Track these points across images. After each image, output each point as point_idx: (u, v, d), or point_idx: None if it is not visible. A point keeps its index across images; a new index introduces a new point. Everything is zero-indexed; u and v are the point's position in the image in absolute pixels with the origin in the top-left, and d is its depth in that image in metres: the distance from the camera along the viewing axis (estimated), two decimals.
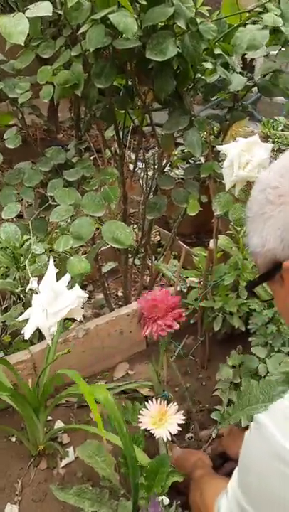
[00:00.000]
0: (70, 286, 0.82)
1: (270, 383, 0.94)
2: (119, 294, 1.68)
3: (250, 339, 1.18)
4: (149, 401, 0.81)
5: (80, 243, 0.83)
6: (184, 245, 1.66)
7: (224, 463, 0.96)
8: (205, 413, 1.20)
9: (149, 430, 0.78)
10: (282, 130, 2.20)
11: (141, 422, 0.79)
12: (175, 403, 0.80)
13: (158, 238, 1.74)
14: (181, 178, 1.10)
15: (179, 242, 1.61)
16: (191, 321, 1.37)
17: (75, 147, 1.04)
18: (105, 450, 0.96)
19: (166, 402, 0.81)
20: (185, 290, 1.36)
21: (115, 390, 1.21)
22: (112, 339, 1.34)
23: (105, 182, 0.92)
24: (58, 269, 0.82)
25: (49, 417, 1.19)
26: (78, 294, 0.79)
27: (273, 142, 2.03)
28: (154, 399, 0.82)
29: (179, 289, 1.39)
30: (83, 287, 1.69)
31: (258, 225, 0.56)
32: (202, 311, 1.29)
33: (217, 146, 0.80)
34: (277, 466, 0.50)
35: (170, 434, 0.76)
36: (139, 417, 0.80)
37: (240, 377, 1.07)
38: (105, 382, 1.29)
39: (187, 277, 1.42)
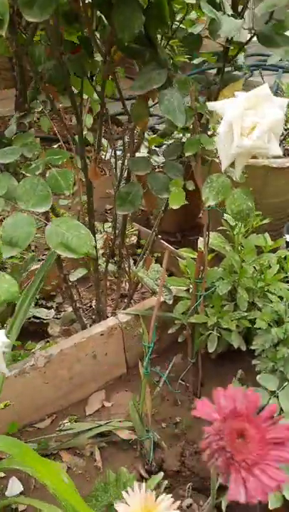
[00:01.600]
0: None
1: None
2: (94, 305, 1.42)
3: (253, 362, 0.93)
4: (129, 489, 0.54)
5: (14, 252, 0.57)
6: (168, 245, 1.41)
7: None
8: (201, 457, 0.96)
9: None
10: None
11: None
12: (170, 495, 0.54)
13: (135, 239, 1.49)
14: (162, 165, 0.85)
15: (162, 241, 1.36)
16: (180, 340, 1.12)
17: (16, 122, 0.77)
18: None
19: (153, 491, 0.54)
20: (170, 302, 1.11)
21: (86, 434, 0.95)
22: (83, 365, 1.08)
23: (53, 164, 0.67)
24: None
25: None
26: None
27: None
28: (135, 486, 0.55)
29: (162, 299, 1.14)
30: (50, 298, 1.43)
31: None
32: (192, 327, 1.04)
33: (208, 105, 0.55)
34: None
35: None
36: None
37: None
38: (75, 421, 1.04)
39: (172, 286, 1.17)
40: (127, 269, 1.26)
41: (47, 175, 0.66)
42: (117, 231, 1.06)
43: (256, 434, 0.42)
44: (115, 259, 1.15)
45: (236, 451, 0.41)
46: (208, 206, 0.86)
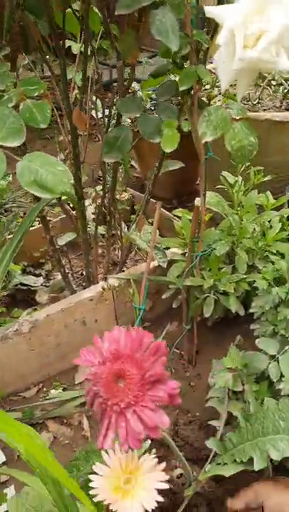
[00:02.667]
0: None
1: None
2: (85, 271, 1.35)
3: (252, 327, 0.87)
4: (108, 451, 0.49)
5: None
6: (162, 210, 1.33)
7: None
8: (196, 427, 0.90)
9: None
10: None
11: (93, 489, 0.47)
12: (153, 455, 0.48)
13: (126, 196, 1.40)
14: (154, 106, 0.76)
15: (156, 201, 1.28)
16: (174, 305, 1.06)
17: None
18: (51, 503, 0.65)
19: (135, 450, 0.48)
20: (164, 265, 1.04)
21: (74, 402, 0.89)
22: (71, 332, 1.02)
23: (28, 95, 0.58)
24: None
25: None
26: None
27: None
28: (116, 448, 0.49)
29: (156, 263, 1.07)
30: (39, 266, 1.36)
31: None
32: (188, 291, 0.98)
33: (206, 10, 0.46)
34: None
35: (144, 509, 0.44)
36: (90, 478, 0.48)
37: (242, 384, 0.76)
38: (63, 390, 0.98)
39: (168, 248, 1.09)
40: (119, 233, 1.18)
41: (21, 107, 0.57)
42: (104, 188, 0.98)
43: (136, 375, 0.38)
44: (107, 219, 1.07)
45: (111, 395, 0.37)
46: (207, 156, 0.79)
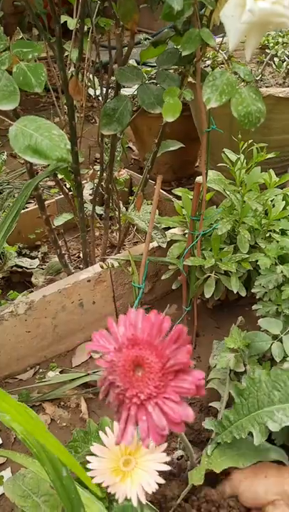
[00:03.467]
0: None
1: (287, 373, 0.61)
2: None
3: (254, 307, 0.84)
4: (107, 430, 0.46)
5: None
6: (162, 191, 1.30)
7: None
8: (196, 409, 0.89)
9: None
10: None
11: (91, 471, 0.45)
12: None
13: (124, 173, 1.37)
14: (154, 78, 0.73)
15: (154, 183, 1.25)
16: (174, 287, 1.03)
17: None
18: (49, 485, 0.64)
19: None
20: (164, 245, 1.01)
21: (71, 384, 0.87)
22: (69, 314, 0.99)
23: (22, 58, 0.55)
24: None
25: None
26: None
27: None
28: (115, 423, 0.47)
29: (156, 244, 1.04)
30: (35, 248, 1.33)
31: None
32: (188, 271, 0.95)
33: None
34: None
35: (144, 491, 0.42)
36: (88, 459, 0.45)
37: (244, 364, 0.74)
38: (60, 372, 0.96)
39: (168, 228, 1.07)
40: (117, 214, 1.16)
41: (14, 70, 0.54)
42: (102, 164, 0.95)
43: (156, 363, 0.34)
44: (104, 198, 1.04)
45: (130, 385, 0.34)
46: (209, 127, 0.75)
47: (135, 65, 0.78)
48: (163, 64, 0.71)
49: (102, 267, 0.97)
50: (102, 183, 1.05)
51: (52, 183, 1.56)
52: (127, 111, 0.70)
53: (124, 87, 0.76)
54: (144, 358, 0.34)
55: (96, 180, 1.00)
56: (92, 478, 0.45)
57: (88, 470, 0.46)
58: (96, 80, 1.33)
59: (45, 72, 0.54)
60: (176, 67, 0.76)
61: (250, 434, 0.61)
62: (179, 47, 0.71)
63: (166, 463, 0.46)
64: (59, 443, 0.42)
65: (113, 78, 0.80)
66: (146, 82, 0.72)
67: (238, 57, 1.25)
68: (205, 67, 1.24)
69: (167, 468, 0.45)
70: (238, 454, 0.65)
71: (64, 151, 0.48)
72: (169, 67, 0.70)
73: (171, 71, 0.73)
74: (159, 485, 0.44)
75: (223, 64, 1.09)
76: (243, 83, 0.58)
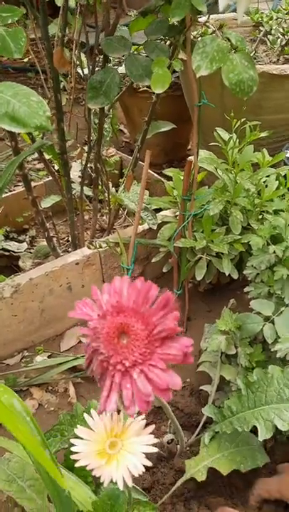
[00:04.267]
0: None
1: None
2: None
3: (246, 289, 0.83)
4: (92, 412, 0.44)
5: None
6: (151, 172, 1.28)
7: None
8: (186, 393, 0.87)
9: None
10: None
11: (75, 454, 0.43)
12: (141, 417, 0.43)
13: (112, 153, 1.34)
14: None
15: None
16: (164, 269, 1.01)
17: None
18: (34, 469, 0.62)
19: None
20: (154, 227, 0.98)
21: (58, 368, 0.85)
22: (57, 298, 0.97)
23: (1, 22, 0.51)
24: None
25: None
26: None
27: None
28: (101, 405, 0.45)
29: (146, 226, 1.02)
30: (22, 231, 1.30)
31: None
32: (179, 254, 0.93)
33: None
34: None
35: (130, 474, 0.40)
36: (72, 442, 0.43)
37: (235, 347, 0.72)
38: (48, 357, 0.94)
39: (158, 210, 1.04)
40: (106, 196, 1.13)
41: None
42: (90, 142, 0.92)
43: (142, 330, 0.33)
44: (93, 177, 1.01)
45: (114, 352, 0.33)
46: (200, 101, 0.72)
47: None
48: (152, 34, 0.67)
49: (89, 247, 0.94)
50: (91, 165, 1.02)
51: (41, 166, 1.52)
52: (114, 83, 0.67)
53: (111, 62, 0.73)
54: (129, 326, 0.33)
55: (84, 157, 0.96)
56: (77, 461, 0.43)
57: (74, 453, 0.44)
58: (85, 59, 1.29)
59: (26, 37, 0.50)
60: (166, 39, 0.72)
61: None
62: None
63: (155, 445, 0.44)
64: (32, 435, 0.40)
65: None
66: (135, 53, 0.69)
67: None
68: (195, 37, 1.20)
69: (155, 450, 0.44)
70: (237, 452, 0.63)
71: (43, 118, 0.45)
72: (158, 37, 0.67)
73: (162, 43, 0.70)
74: (149, 470, 0.43)
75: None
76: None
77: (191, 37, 0.68)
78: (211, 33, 0.81)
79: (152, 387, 0.32)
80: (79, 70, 1.33)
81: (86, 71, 1.11)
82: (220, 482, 0.71)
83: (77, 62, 1.30)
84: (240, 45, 0.52)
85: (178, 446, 0.72)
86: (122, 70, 0.73)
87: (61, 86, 1.11)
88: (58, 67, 0.72)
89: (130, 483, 0.41)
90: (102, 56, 0.77)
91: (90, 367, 0.35)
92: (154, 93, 0.78)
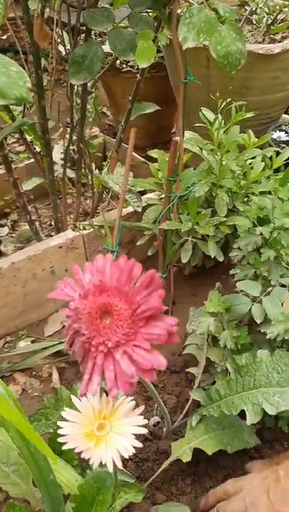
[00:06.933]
0: None
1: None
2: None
3: (232, 272, 0.82)
4: (79, 392, 0.43)
5: None
6: (135, 154, 1.25)
7: None
8: (173, 377, 0.87)
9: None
10: None
11: (62, 436, 0.42)
12: (131, 398, 0.42)
13: (95, 133, 1.31)
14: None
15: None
16: (150, 253, 1.00)
17: None
18: (18, 454, 0.61)
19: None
20: (139, 209, 0.97)
21: (42, 353, 0.84)
22: (40, 282, 0.95)
23: None
24: None
25: None
26: None
27: None
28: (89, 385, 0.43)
29: (131, 209, 1.00)
30: (4, 216, 1.27)
31: None
32: (164, 236, 0.92)
33: None
34: None
35: (120, 455, 0.40)
36: (59, 424, 0.42)
37: (223, 329, 0.72)
38: (32, 342, 0.92)
39: (144, 193, 1.02)
40: (90, 178, 1.10)
41: None
42: (72, 122, 0.89)
43: (126, 310, 0.32)
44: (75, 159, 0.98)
45: (96, 333, 0.32)
46: (186, 78, 0.71)
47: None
48: (136, 7, 0.65)
49: (73, 229, 0.92)
50: (74, 147, 1.00)
51: (21, 148, 1.48)
52: (97, 58, 0.64)
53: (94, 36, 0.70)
54: (112, 305, 0.31)
55: (67, 137, 0.94)
56: (63, 444, 0.42)
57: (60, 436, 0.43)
58: (67, 38, 1.25)
59: (2, 9, 0.47)
60: (151, 12, 0.70)
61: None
62: None
63: (144, 426, 0.44)
64: (18, 413, 0.39)
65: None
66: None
67: None
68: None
69: (145, 431, 0.43)
70: (223, 433, 0.63)
71: (23, 89, 0.43)
72: (142, 9, 0.65)
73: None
74: (136, 452, 0.42)
75: None
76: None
77: (178, 11, 0.66)
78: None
79: (136, 368, 0.31)
80: (61, 49, 1.29)
81: (68, 48, 1.08)
82: (209, 465, 0.72)
83: (58, 40, 1.26)
84: (229, 17, 0.50)
85: (164, 428, 0.72)
86: (105, 48, 0.71)
87: (42, 66, 1.07)
88: (39, 40, 0.69)
89: (120, 465, 0.40)
90: (84, 34, 0.74)
91: (71, 349, 0.34)
92: (138, 73, 0.76)
